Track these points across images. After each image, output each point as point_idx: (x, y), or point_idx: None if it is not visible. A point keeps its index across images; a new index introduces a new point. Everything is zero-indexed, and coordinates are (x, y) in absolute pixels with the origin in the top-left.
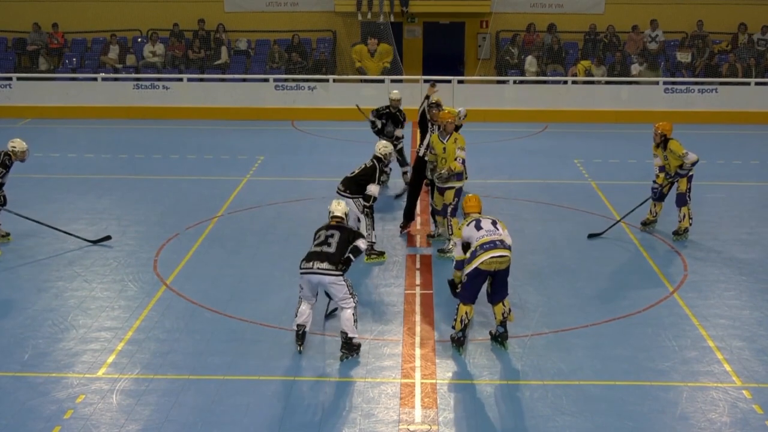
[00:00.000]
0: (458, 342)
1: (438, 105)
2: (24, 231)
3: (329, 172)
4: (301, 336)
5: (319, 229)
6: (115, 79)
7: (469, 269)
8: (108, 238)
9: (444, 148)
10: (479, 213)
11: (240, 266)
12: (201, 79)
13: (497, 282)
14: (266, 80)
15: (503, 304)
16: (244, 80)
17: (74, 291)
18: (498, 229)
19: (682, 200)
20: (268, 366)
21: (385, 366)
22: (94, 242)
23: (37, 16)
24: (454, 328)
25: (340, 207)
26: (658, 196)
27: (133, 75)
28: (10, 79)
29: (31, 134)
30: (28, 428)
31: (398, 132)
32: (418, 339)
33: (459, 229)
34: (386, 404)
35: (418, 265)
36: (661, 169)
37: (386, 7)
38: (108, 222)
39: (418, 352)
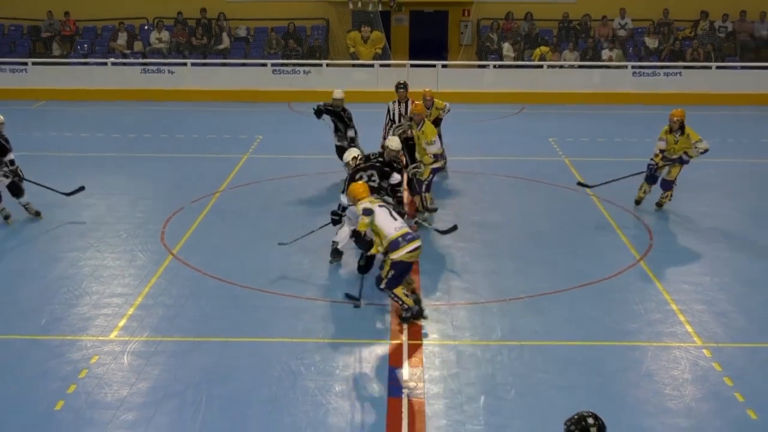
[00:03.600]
0: (417, 314)
1: (404, 86)
2: (40, 205)
3: (322, 150)
4: (338, 252)
5: (356, 174)
6: (124, 64)
7: (395, 256)
8: (82, 188)
9: (417, 136)
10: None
11: (241, 237)
12: (204, 64)
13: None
14: (264, 65)
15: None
16: (244, 65)
17: (87, 260)
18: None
19: (667, 186)
20: (267, 329)
21: (376, 328)
22: (69, 194)
23: (51, 4)
24: (405, 311)
25: (354, 151)
26: (651, 179)
27: (141, 60)
28: (25, 63)
29: (46, 115)
30: (47, 387)
31: (350, 132)
32: None
33: (365, 202)
34: (376, 363)
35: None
36: (662, 152)
37: None
38: (118, 197)
39: None
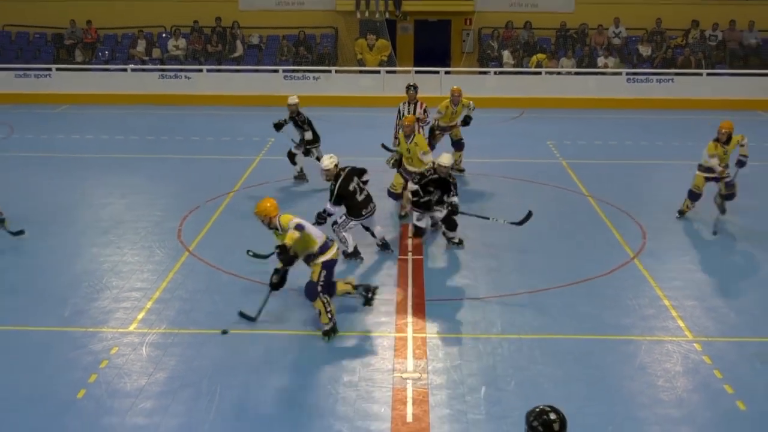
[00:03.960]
0: (333, 330)
1: (415, 87)
2: (64, 204)
3: (330, 150)
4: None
5: (350, 183)
6: (143, 70)
7: (325, 258)
8: (21, 232)
9: (408, 149)
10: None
11: (253, 235)
12: (218, 70)
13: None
14: (276, 71)
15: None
16: (257, 71)
17: (108, 256)
18: None
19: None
20: (279, 322)
21: (382, 322)
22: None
23: (74, 13)
24: (330, 320)
25: (332, 158)
26: (697, 197)
27: (159, 66)
28: (49, 69)
29: (69, 118)
30: (69, 376)
31: (306, 135)
32: (410, 299)
33: (293, 218)
34: (382, 355)
35: (410, 234)
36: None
37: (382, 6)
38: (137, 196)
39: (410, 309)
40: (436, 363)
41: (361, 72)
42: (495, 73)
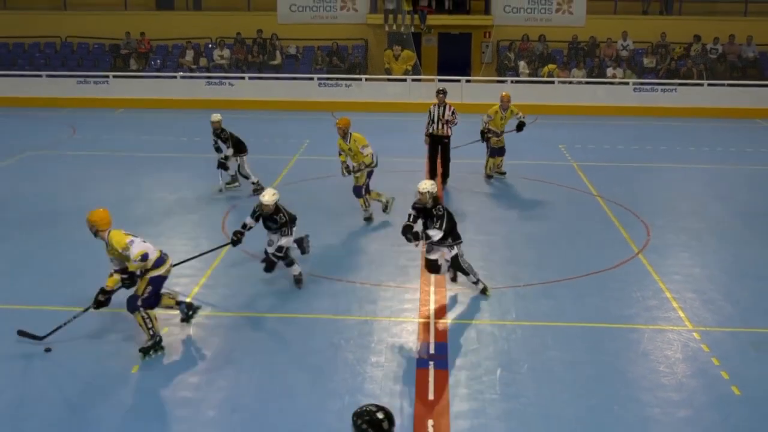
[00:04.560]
0: (156, 345)
1: (444, 92)
2: (121, 197)
3: None
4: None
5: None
6: (191, 77)
7: (155, 274)
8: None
9: (350, 148)
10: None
11: None
12: (259, 78)
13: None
14: (311, 79)
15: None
16: (294, 79)
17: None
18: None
19: None
20: (312, 307)
21: (406, 308)
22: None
23: (129, 26)
24: (152, 336)
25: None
26: None
27: (205, 74)
28: (107, 76)
29: (124, 121)
30: (126, 353)
31: (227, 152)
32: (432, 288)
33: (124, 236)
34: (407, 338)
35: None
36: None
37: (408, 21)
38: (186, 191)
39: (432, 297)
40: (456, 346)
41: (388, 80)
42: (511, 81)
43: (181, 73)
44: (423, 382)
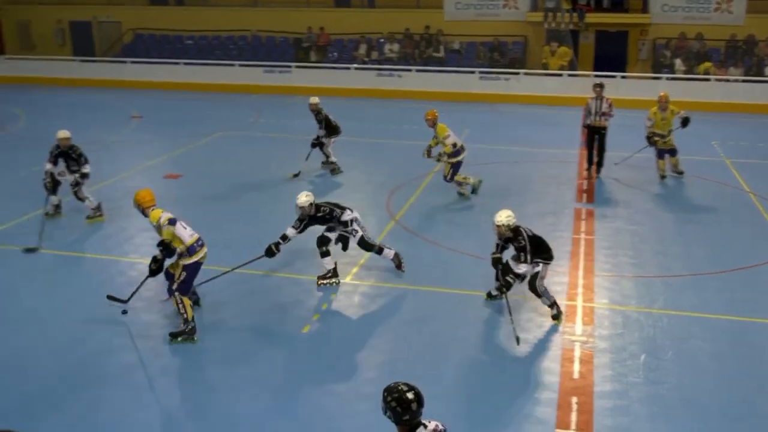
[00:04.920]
0: (191, 332)
1: (601, 85)
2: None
3: (517, 141)
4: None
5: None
6: (363, 69)
7: (189, 261)
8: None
9: (435, 137)
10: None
11: (450, 209)
12: (425, 70)
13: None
14: (473, 72)
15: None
16: (456, 72)
17: None
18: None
19: None
20: (466, 283)
21: (555, 291)
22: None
23: (310, 22)
24: (186, 322)
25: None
26: None
27: (376, 66)
28: (290, 67)
29: (304, 107)
30: (297, 314)
31: (320, 132)
32: (581, 272)
33: (160, 220)
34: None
35: (583, 216)
36: None
37: (567, 18)
38: (356, 171)
39: (580, 281)
40: (602, 330)
41: (545, 75)
42: (666, 78)
43: (355, 65)
44: (568, 361)
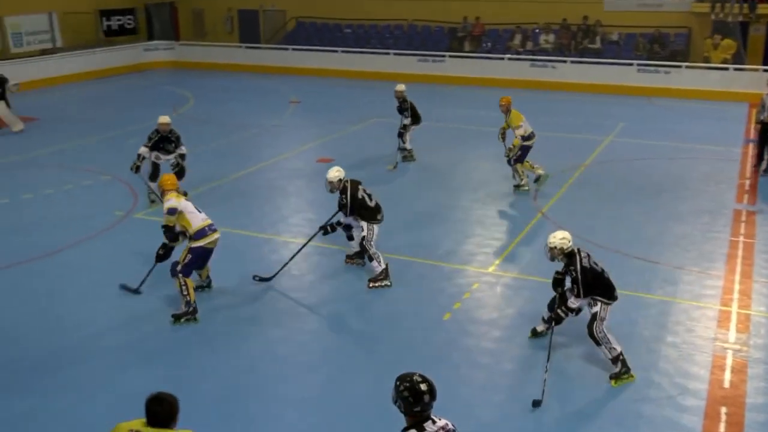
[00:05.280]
0: (193, 312)
1: None
2: (447, 163)
3: (676, 137)
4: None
5: (358, 192)
6: (517, 59)
7: (196, 245)
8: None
9: (508, 123)
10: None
11: (599, 204)
12: (580, 62)
13: (209, 256)
14: (630, 64)
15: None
16: (613, 64)
17: (476, 210)
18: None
19: None
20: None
21: (708, 294)
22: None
23: (467, 11)
24: (188, 304)
25: (339, 171)
26: None
27: (530, 57)
28: (444, 56)
29: (457, 96)
30: (438, 301)
31: (406, 120)
32: (737, 276)
33: (171, 200)
34: (705, 324)
35: (743, 218)
36: None
37: (736, 9)
38: (499, 163)
39: (736, 286)
40: (758, 339)
41: (709, 68)
42: None
43: (509, 55)
44: (719, 369)
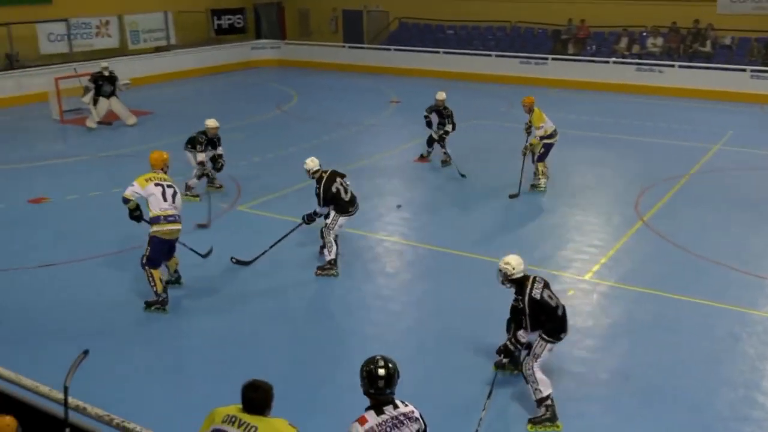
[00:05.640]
0: (163, 303)
1: None
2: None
3: None
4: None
5: (333, 184)
6: (622, 63)
7: (151, 231)
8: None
9: (530, 122)
10: (162, 172)
11: (704, 216)
12: (689, 66)
13: (171, 248)
14: (743, 70)
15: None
16: (724, 69)
17: (574, 216)
18: (176, 203)
19: None
20: (715, 295)
21: None
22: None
23: (572, 13)
24: (157, 294)
25: (314, 160)
26: None
27: (636, 60)
28: (546, 58)
29: (559, 100)
30: None
31: (448, 127)
32: None
33: (145, 180)
34: None
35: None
36: None
37: None
38: (604, 168)
39: None
40: None
41: None
42: None
43: (613, 59)
44: None
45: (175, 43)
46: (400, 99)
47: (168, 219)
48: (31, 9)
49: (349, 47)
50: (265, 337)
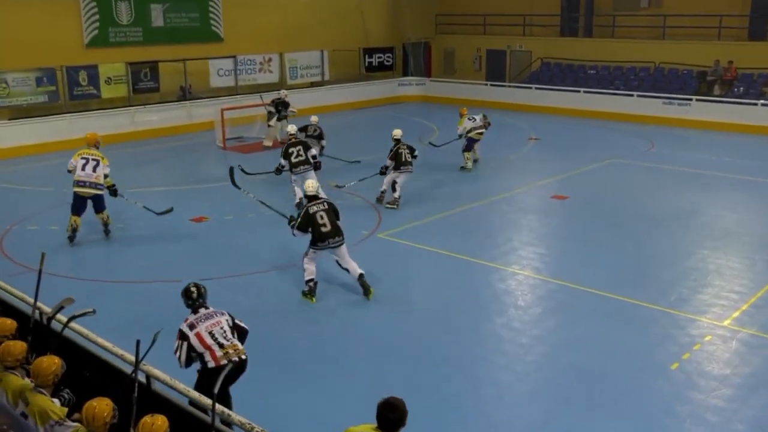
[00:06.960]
0: (69, 239)
1: None
2: (684, 210)
3: None
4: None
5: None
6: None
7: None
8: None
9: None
10: (95, 148)
11: None
12: None
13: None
14: None
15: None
16: None
17: (715, 259)
18: (93, 173)
19: None
20: None
21: None
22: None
23: (719, 54)
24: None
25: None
26: None
27: None
28: (690, 99)
29: (701, 141)
30: (667, 349)
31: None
32: None
33: (77, 154)
34: None
35: None
36: None
37: None
38: (748, 213)
39: None
40: None
41: None
42: None
43: (762, 101)
44: None
45: (329, 79)
46: (539, 136)
47: (78, 183)
48: (205, 46)
49: (491, 85)
50: (391, 356)
